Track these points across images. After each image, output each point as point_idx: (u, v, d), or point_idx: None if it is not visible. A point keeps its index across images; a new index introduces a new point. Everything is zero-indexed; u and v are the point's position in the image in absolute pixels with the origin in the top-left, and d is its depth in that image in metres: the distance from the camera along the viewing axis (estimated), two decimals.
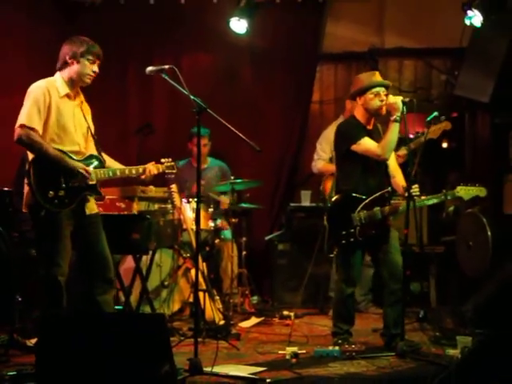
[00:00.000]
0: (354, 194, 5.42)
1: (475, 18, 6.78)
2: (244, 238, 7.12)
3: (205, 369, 4.48)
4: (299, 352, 5.07)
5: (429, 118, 5.85)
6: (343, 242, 5.43)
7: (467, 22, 6.85)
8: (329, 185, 7.05)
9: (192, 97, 4.60)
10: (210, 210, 6.79)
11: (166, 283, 6.43)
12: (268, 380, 4.42)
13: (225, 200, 7.30)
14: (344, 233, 5.41)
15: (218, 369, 4.56)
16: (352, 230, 5.39)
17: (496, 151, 7.81)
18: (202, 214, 6.67)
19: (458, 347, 5.17)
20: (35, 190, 4.55)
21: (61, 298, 4.66)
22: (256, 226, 7.96)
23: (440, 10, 7.76)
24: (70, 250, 4.72)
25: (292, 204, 7.80)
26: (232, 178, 6.89)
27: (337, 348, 5.19)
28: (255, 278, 7.44)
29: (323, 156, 7.18)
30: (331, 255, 6.04)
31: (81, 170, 4.69)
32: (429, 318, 6.39)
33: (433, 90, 8.10)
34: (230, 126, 4.78)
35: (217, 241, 7.02)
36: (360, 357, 5.08)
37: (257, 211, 7.72)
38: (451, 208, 7.78)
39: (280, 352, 5.27)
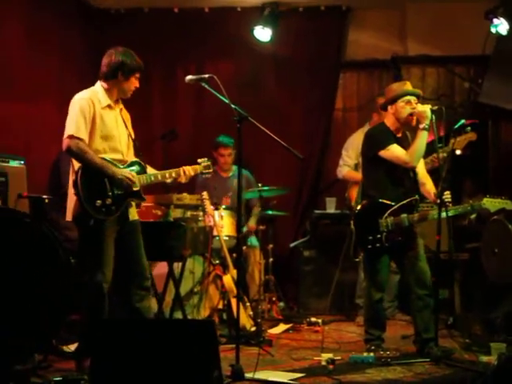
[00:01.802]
0: (381, 200, 5.46)
1: (501, 26, 6.83)
2: (271, 245, 7.15)
3: (246, 375, 4.53)
4: (335, 358, 5.10)
5: (456, 126, 5.88)
6: (369, 247, 5.47)
7: (493, 30, 6.91)
8: (354, 192, 7.10)
9: (233, 105, 4.64)
10: None
11: (196, 290, 6.47)
12: None
13: (252, 224, 7.34)
14: (370, 238, 5.45)
15: (257, 375, 4.60)
16: (378, 236, 5.43)
17: None
18: (230, 221, 6.74)
19: (493, 354, 5.20)
20: (83, 199, 4.59)
21: (104, 304, 4.71)
22: (280, 232, 7.99)
23: (462, 17, 7.81)
24: (113, 258, 4.76)
25: (317, 211, 7.84)
26: (259, 185, 6.92)
27: (371, 354, 5.23)
28: (280, 284, 7.49)
29: (348, 162, 7.22)
30: (356, 259, 6.09)
31: (127, 177, 4.75)
32: (457, 325, 6.42)
33: (456, 97, 8.15)
34: (271, 133, 4.81)
35: (244, 248, 7.06)
36: (395, 363, 5.12)
37: (280, 218, 7.76)
38: (473, 215, 7.81)
39: (315, 358, 5.31)
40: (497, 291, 6.65)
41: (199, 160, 5.26)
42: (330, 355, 5.12)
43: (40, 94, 6.83)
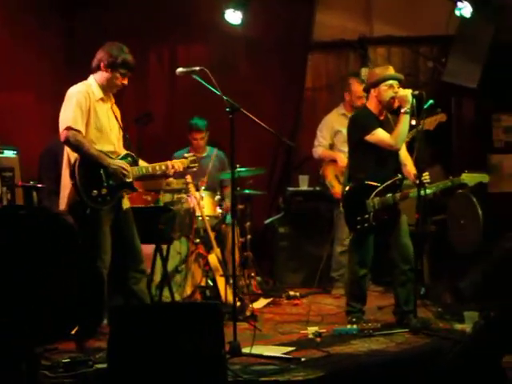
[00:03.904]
0: (367, 182, 5.76)
1: (465, 9, 7.12)
2: (248, 223, 7.41)
3: (243, 350, 4.82)
4: (321, 331, 5.41)
5: (425, 107, 6.17)
6: (358, 227, 5.79)
7: (457, 12, 7.19)
8: (328, 170, 7.39)
9: (225, 97, 4.87)
10: (217, 197, 7.06)
11: (180, 269, 6.72)
12: (303, 359, 4.76)
13: (228, 204, 7.54)
14: (359, 218, 5.77)
15: (253, 350, 4.89)
16: (366, 216, 5.75)
17: (480, 133, 8.26)
18: (210, 201, 6.98)
19: (466, 322, 5.58)
20: (81, 189, 4.82)
21: (103, 289, 4.95)
22: (255, 210, 8.23)
23: None
24: (110, 244, 5.00)
25: (290, 188, 8.12)
26: (237, 165, 7.11)
27: (355, 326, 5.56)
28: (256, 259, 7.75)
29: (323, 143, 7.49)
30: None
31: (121, 169, 4.96)
32: (428, 295, 6.79)
33: (420, 76, 8.47)
34: (262, 123, 5.06)
35: (223, 226, 7.30)
36: (377, 334, 5.47)
37: (254, 196, 8.00)
38: None
39: (301, 332, 5.62)
40: (463, 261, 7.03)
41: (186, 155, 5.58)
42: (316, 328, 5.44)
43: (19, 83, 6.95)
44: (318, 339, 5.26)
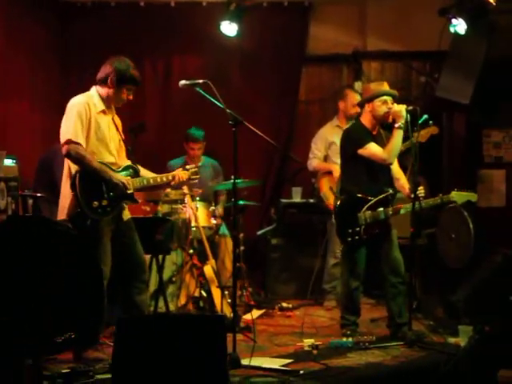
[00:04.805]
0: (359, 195, 5.83)
1: (459, 26, 7.20)
2: (242, 234, 7.45)
3: (242, 362, 4.85)
4: (317, 343, 5.43)
5: (420, 121, 6.26)
6: (349, 239, 5.85)
7: (452, 29, 7.27)
8: (323, 182, 7.44)
9: (228, 110, 4.91)
10: (212, 208, 7.08)
11: (173, 279, 6.74)
12: (301, 372, 4.80)
13: (220, 211, 7.56)
14: (350, 231, 5.83)
15: (252, 362, 4.92)
16: (357, 229, 5.81)
17: (471, 148, 8.36)
18: (205, 211, 7.01)
19: (461, 336, 5.64)
20: (81, 200, 4.84)
21: (103, 297, 4.95)
22: (247, 221, 8.26)
23: (419, 13, 8.20)
24: (110, 255, 5.01)
25: (284, 200, 8.16)
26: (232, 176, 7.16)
27: (350, 339, 5.60)
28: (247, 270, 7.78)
29: (318, 155, 7.54)
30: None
31: (122, 181, 4.99)
32: (419, 308, 6.85)
33: (413, 90, 8.57)
34: (268, 138, 5.11)
35: (216, 237, 7.33)
36: (372, 347, 5.51)
37: (246, 207, 8.03)
38: None
39: (297, 344, 5.64)
40: (453, 274, 7.09)
41: (187, 166, 5.55)
42: (312, 340, 5.47)
43: (13, 92, 6.97)
44: (315, 352, 5.28)
